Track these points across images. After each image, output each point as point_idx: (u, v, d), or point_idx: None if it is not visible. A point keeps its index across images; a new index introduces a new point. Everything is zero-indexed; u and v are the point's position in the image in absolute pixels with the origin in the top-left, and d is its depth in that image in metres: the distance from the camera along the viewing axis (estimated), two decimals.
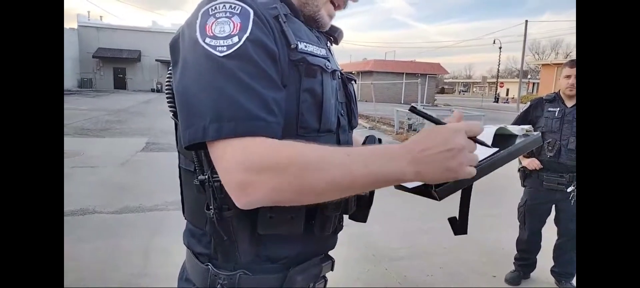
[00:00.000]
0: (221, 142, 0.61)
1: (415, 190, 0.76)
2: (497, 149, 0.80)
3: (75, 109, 13.51)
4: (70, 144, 7.26)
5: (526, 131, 0.88)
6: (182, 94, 0.66)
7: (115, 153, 6.84)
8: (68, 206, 3.93)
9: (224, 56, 0.64)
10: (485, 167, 0.74)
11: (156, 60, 30.48)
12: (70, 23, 30.70)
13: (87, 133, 8.95)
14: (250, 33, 0.66)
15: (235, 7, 0.68)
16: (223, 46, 0.64)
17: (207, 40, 0.65)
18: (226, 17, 0.67)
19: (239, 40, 0.65)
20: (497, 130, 0.87)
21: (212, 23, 0.66)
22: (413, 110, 0.75)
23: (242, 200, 0.62)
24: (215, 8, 0.68)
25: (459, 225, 0.81)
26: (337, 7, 0.88)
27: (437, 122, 0.68)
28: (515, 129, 0.89)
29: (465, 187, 0.78)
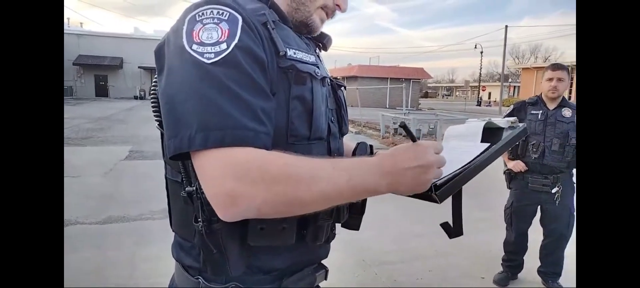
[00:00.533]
0: (207, 152, 0.59)
1: (414, 195, 0.76)
2: (488, 145, 0.83)
3: None
4: None
5: (511, 123, 0.91)
6: (167, 102, 0.64)
7: (98, 162, 6.70)
8: None
9: (211, 63, 0.62)
10: (483, 161, 0.78)
11: (139, 67, 30.06)
12: None
13: (68, 142, 8.73)
14: (238, 40, 0.64)
15: (223, 14, 0.66)
16: (211, 53, 0.62)
17: (194, 46, 0.63)
18: (214, 23, 0.65)
19: (227, 47, 0.63)
20: (486, 124, 0.90)
21: (200, 29, 0.64)
22: (403, 125, 0.78)
23: (229, 212, 0.60)
24: (203, 14, 0.66)
25: (454, 228, 0.82)
26: (327, 14, 0.87)
27: (413, 139, 0.72)
28: (501, 122, 0.92)
29: (458, 189, 0.79)
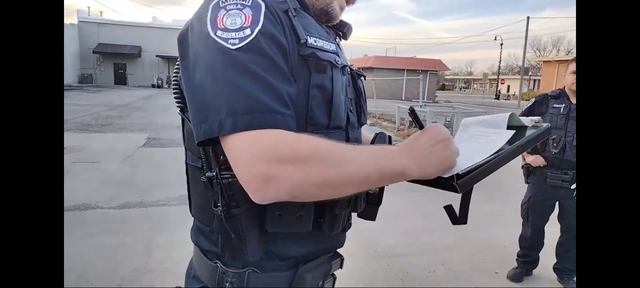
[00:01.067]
0: (237, 135, 0.60)
1: (436, 184, 0.76)
2: (513, 133, 0.83)
3: (76, 105, 13.52)
4: (71, 139, 7.26)
5: (535, 122, 0.90)
6: (194, 88, 0.65)
7: (116, 148, 6.84)
8: (69, 201, 3.94)
9: (236, 49, 0.62)
10: (503, 157, 0.78)
11: (156, 55, 30.46)
12: (70, 18, 30.71)
13: (88, 128, 8.95)
14: (262, 26, 0.64)
15: (246, 0, 0.66)
16: (235, 39, 0.63)
17: (219, 33, 0.64)
18: (237, 9, 0.65)
19: (252, 32, 0.63)
20: (509, 118, 0.88)
21: (223, 16, 0.65)
22: (411, 111, 0.82)
23: (262, 194, 0.60)
24: (226, 1, 0.66)
25: (459, 215, 0.81)
26: (347, 1, 0.87)
27: (421, 126, 0.77)
28: (525, 120, 0.91)
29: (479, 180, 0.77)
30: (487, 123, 0.90)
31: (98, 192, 4.35)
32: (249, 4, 0.66)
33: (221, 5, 0.66)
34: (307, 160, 0.60)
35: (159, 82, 29.99)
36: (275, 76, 0.64)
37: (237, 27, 0.64)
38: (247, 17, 0.65)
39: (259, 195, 0.60)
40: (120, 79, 30.89)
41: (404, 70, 30.83)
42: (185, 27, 0.71)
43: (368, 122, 12.69)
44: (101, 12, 36.04)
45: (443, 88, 67.36)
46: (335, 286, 0.93)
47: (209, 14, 0.66)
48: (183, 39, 0.70)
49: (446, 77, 77.77)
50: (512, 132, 0.84)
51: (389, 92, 28.34)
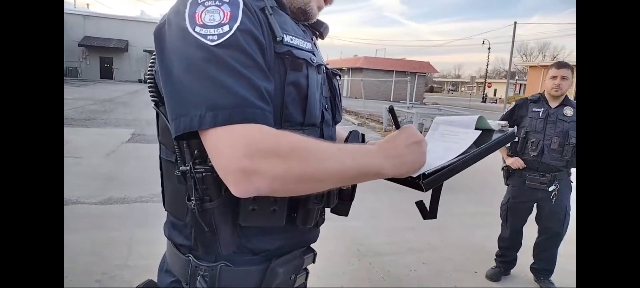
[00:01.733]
0: (218, 130, 0.60)
1: (404, 182, 0.80)
2: (480, 133, 0.87)
3: None
4: None
5: (502, 127, 0.93)
6: (172, 83, 0.65)
7: (100, 143, 6.74)
8: None
9: (215, 45, 0.63)
10: (469, 158, 0.81)
11: (144, 50, 30.01)
12: None
13: (72, 123, 8.79)
14: (240, 22, 0.65)
15: None
16: (214, 35, 0.64)
17: (197, 28, 0.64)
18: (216, 5, 0.66)
19: (230, 29, 0.64)
20: (477, 120, 0.91)
21: (202, 11, 0.66)
22: (391, 109, 0.88)
23: (243, 187, 0.60)
24: None
25: (429, 211, 0.84)
26: (325, 1, 0.88)
27: (397, 125, 0.83)
28: (493, 124, 0.93)
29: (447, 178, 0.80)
30: (456, 123, 0.93)
31: (81, 187, 4.28)
32: (227, 0, 0.67)
33: (199, 2, 0.67)
34: (289, 154, 0.61)
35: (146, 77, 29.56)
36: (254, 72, 0.65)
37: (215, 23, 0.64)
38: (226, 14, 0.65)
39: (240, 188, 0.61)
40: (107, 73, 30.36)
41: (393, 71, 30.99)
42: (161, 22, 0.72)
43: (356, 122, 12.80)
44: (88, 4, 35.40)
45: (431, 90, 67.94)
46: (318, 285, 0.94)
47: (187, 10, 0.67)
48: (160, 34, 0.70)
49: (434, 79, 78.44)
50: (479, 132, 0.87)
51: (378, 93, 28.49)
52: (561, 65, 2.62)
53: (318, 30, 0.93)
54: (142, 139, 7.45)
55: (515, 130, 0.94)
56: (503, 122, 0.93)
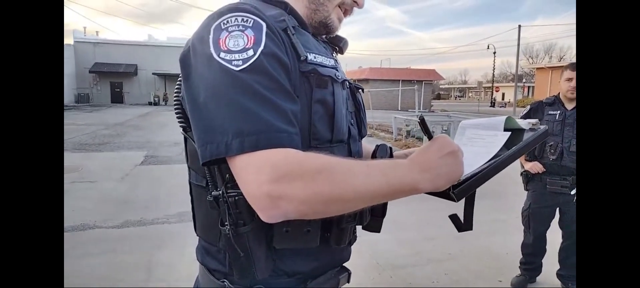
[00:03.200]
0: (244, 156, 0.60)
1: (432, 193, 0.76)
2: (509, 135, 0.83)
3: (73, 124, 13.48)
4: (68, 159, 7.23)
5: (533, 125, 0.89)
6: (198, 109, 0.65)
7: (114, 167, 6.81)
8: (69, 221, 3.91)
9: (240, 70, 0.63)
10: (503, 161, 0.77)
11: (153, 73, 30.55)
12: (66, 39, 30.76)
13: (85, 148, 8.92)
14: (264, 46, 0.65)
15: (247, 21, 0.67)
16: (238, 60, 0.64)
17: (222, 54, 0.64)
18: (239, 30, 0.66)
19: (254, 53, 0.64)
20: (506, 121, 0.88)
21: (226, 37, 0.66)
22: (421, 120, 0.84)
23: (271, 213, 0.60)
24: (227, 22, 0.67)
25: (464, 223, 0.81)
26: (345, 12, 0.88)
27: (430, 136, 0.77)
28: (523, 123, 0.90)
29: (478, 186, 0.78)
30: (483, 126, 0.90)
31: (96, 212, 4.31)
32: (251, 25, 0.67)
33: (223, 27, 0.67)
34: (315, 177, 0.60)
35: (156, 99, 30.01)
36: (279, 96, 0.64)
37: (240, 48, 0.64)
38: (250, 38, 0.65)
39: (268, 213, 0.61)
40: (117, 98, 30.88)
41: (399, 80, 30.99)
42: (186, 48, 0.72)
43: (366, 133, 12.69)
44: (97, 32, 36.12)
45: (438, 97, 67.74)
46: None
47: (211, 36, 0.67)
48: (185, 60, 0.70)
49: (441, 86, 78.30)
50: (508, 134, 0.84)
51: (385, 103, 28.48)
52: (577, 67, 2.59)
53: (338, 45, 0.92)
54: (155, 161, 7.52)
55: (547, 128, 0.90)
56: (533, 121, 0.89)
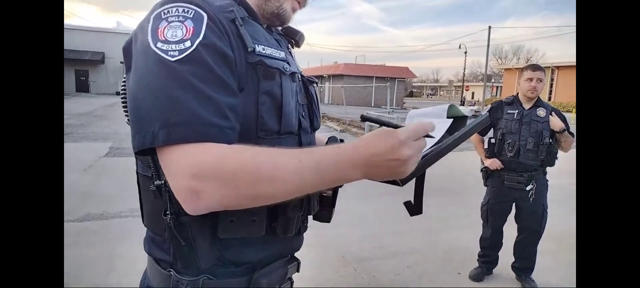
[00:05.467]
0: (170, 148, 0.60)
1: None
2: (451, 121, 0.86)
3: None
4: None
5: (475, 112, 0.92)
6: (133, 99, 0.64)
7: (77, 158, 6.57)
8: None
9: (175, 61, 0.62)
10: (444, 148, 0.79)
11: (121, 62, 29.37)
12: None
13: None
14: (203, 37, 0.65)
15: (188, 11, 0.67)
16: (175, 51, 0.63)
17: (159, 44, 0.64)
18: (179, 21, 0.65)
19: (192, 44, 0.64)
20: (449, 109, 0.91)
21: (165, 27, 0.65)
22: (363, 118, 0.79)
23: (192, 206, 0.60)
24: (168, 12, 0.67)
25: (414, 206, 0.84)
26: (299, 3, 0.88)
27: (388, 124, 0.70)
28: (465, 110, 0.93)
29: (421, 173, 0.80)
30: (429, 114, 0.93)
31: None
32: (191, 16, 0.66)
33: (163, 17, 0.66)
34: (234, 176, 0.59)
35: None
36: (214, 88, 0.64)
37: (177, 39, 0.64)
38: (188, 29, 0.65)
39: (189, 206, 0.61)
40: (82, 86, 29.67)
41: (373, 77, 31.32)
42: (129, 37, 0.71)
43: (338, 128, 12.85)
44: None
45: (411, 95, 68.85)
46: None
47: (150, 25, 0.66)
48: (127, 50, 0.70)
49: (413, 84, 79.62)
50: (450, 121, 0.87)
51: (359, 99, 28.69)
52: (536, 67, 2.71)
53: (293, 38, 0.93)
54: (119, 153, 7.30)
55: (488, 115, 0.94)
56: (475, 108, 0.93)
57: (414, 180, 0.81)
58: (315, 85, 0.94)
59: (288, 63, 0.80)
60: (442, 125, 0.86)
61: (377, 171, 0.66)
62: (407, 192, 0.81)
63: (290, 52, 0.89)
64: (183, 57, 0.63)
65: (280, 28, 0.93)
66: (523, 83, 2.73)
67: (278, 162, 0.62)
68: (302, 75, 0.89)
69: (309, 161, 0.64)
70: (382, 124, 0.73)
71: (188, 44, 0.64)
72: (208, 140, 0.61)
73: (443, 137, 0.83)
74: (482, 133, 2.90)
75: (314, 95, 0.91)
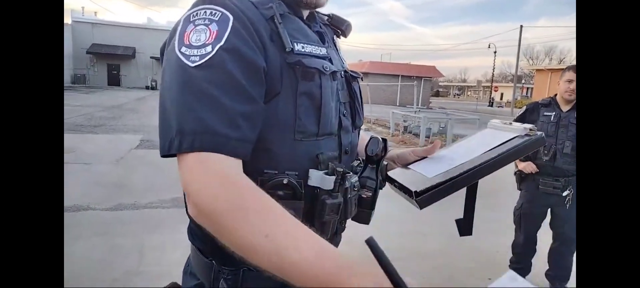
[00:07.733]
0: (183, 156, 0.61)
1: (401, 190, 0.78)
2: (498, 151, 0.83)
3: (68, 105, 13.39)
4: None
5: (529, 130, 0.87)
6: (160, 104, 0.66)
7: (109, 150, 6.80)
8: None
9: (195, 66, 0.62)
10: (481, 169, 0.78)
11: (151, 57, 30.33)
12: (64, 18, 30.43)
13: (80, 129, 8.87)
14: (225, 42, 0.63)
15: (215, 14, 0.66)
16: (196, 56, 0.62)
17: (183, 49, 0.64)
18: (204, 24, 0.65)
19: (212, 49, 0.63)
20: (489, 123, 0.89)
21: (191, 31, 0.65)
22: (370, 243, 0.54)
23: (194, 213, 0.61)
24: (196, 14, 0.66)
25: (463, 226, 0.82)
26: None
27: (389, 271, 0.51)
28: (519, 127, 0.89)
29: (470, 188, 0.78)
30: (502, 128, 0.91)
31: (90, 194, 4.31)
32: (217, 18, 0.65)
33: (191, 20, 0.66)
34: (222, 215, 0.57)
35: (153, 83, 29.83)
36: (230, 96, 0.62)
37: (200, 44, 0.63)
38: (212, 33, 0.64)
39: (192, 212, 0.62)
40: (114, 80, 30.68)
41: (399, 76, 30.96)
42: (166, 39, 0.72)
43: (363, 127, 12.68)
44: (95, 12, 36.00)
45: (437, 94, 67.84)
46: None
47: (179, 28, 0.66)
48: (162, 52, 0.72)
49: (440, 83, 78.28)
50: (509, 136, 0.84)
51: (384, 98, 28.47)
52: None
53: (340, 28, 0.90)
54: (150, 145, 7.50)
55: (543, 134, 0.89)
56: (530, 126, 0.88)
57: (464, 196, 0.80)
58: (359, 80, 0.91)
59: (330, 60, 0.78)
60: (495, 139, 0.83)
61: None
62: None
63: (335, 44, 0.87)
64: (203, 63, 0.62)
65: (326, 18, 0.91)
66: (562, 84, 2.62)
67: (272, 214, 0.58)
68: (345, 72, 0.86)
69: (299, 239, 0.57)
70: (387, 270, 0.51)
71: (209, 49, 0.63)
72: (215, 150, 0.60)
73: (489, 152, 0.81)
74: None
75: (356, 92, 0.88)
